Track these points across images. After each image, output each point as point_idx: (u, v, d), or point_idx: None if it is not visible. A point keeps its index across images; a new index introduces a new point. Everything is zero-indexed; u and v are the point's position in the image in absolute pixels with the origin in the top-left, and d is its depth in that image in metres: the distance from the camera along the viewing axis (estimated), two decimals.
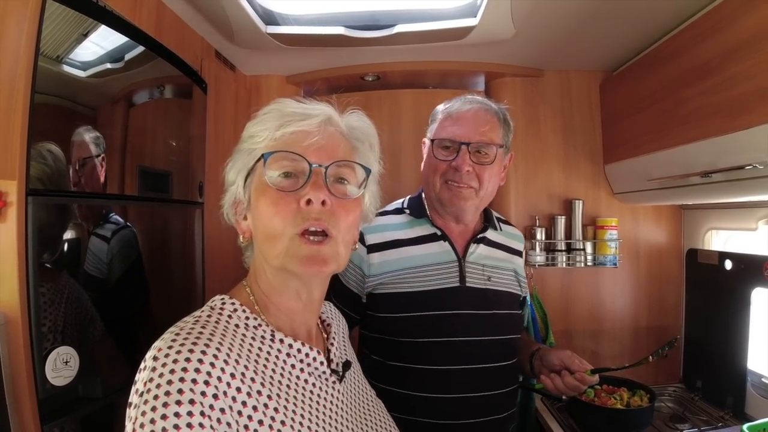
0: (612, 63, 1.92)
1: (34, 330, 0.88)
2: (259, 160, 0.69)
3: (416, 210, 1.25)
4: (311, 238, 0.66)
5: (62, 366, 0.91)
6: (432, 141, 1.21)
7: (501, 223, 1.35)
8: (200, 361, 0.56)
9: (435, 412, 1.12)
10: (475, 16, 1.49)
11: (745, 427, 1.19)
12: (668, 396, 1.79)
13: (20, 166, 0.87)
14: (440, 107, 1.26)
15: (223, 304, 0.69)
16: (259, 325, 0.68)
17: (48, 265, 0.93)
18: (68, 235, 1.00)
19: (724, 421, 1.52)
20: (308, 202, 0.65)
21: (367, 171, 0.74)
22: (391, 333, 1.17)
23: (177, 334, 0.59)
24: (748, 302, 1.54)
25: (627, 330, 2.01)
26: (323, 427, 0.67)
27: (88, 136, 1.05)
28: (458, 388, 1.13)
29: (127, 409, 0.56)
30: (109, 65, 1.13)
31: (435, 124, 1.24)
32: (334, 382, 0.75)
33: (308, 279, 0.71)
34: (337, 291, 1.22)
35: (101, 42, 1.10)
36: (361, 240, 1.19)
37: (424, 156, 1.27)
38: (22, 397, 0.86)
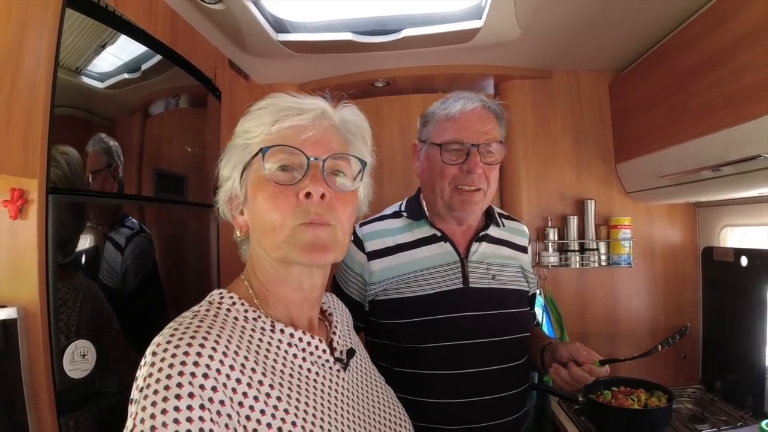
0: (620, 62, 1.92)
1: (53, 324, 0.90)
2: (256, 155, 0.69)
3: (414, 212, 1.22)
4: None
5: (80, 359, 0.94)
6: (438, 145, 1.14)
7: (503, 219, 1.31)
8: (198, 354, 0.57)
9: (446, 417, 1.09)
10: (480, 18, 1.50)
11: (763, 423, 1.17)
12: (687, 397, 1.75)
13: (41, 165, 0.90)
14: (436, 108, 1.20)
15: (222, 298, 0.69)
16: (258, 317, 0.69)
17: (66, 262, 0.95)
18: (86, 233, 1.03)
19: (743, 420, 1.48)
20: (307, 195, 0.66)
21: (363, 163, 0.75)
22: (396, 339, 1.15)
23: (176, 329, 0.60)
24: (765, 299, 1.51)
25: (644, 331, 1.98)
26: (328, 415, 0.67)
27: (104, 145, 1.08)
28: (468, 392, 1.10)
29: (129, 406, 0.56)
30: (126, 75, 1.16)
31: (432, 126, 1.19)
32: (338, 371, 0.75)
33: (310, 268, 0.71)
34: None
35: (119, 53, 1.13)
36: (361, 247, 1.18)
37: (420, 159, 1.24)
38: (39, 389, 0.88)
